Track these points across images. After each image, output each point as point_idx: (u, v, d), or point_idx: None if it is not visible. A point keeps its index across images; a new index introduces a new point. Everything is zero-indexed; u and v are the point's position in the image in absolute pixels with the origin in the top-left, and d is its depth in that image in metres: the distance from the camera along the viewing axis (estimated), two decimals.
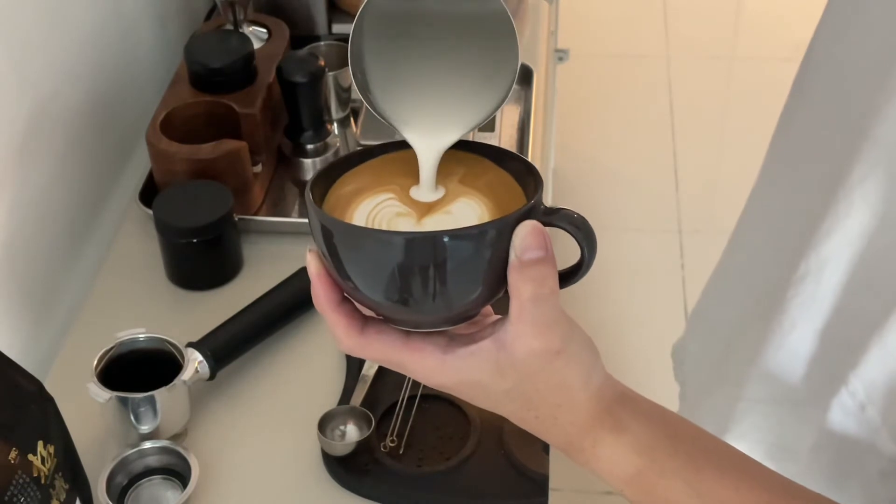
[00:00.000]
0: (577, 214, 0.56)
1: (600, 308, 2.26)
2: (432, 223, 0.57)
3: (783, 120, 0.83)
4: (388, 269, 0.54)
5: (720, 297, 0.94)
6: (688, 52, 3.03)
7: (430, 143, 0.60)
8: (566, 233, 0.57)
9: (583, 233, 0.56)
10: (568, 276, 0.58)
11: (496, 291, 0.57)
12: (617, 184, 2.61)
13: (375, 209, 0.58)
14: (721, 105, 2.91)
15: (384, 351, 0.57)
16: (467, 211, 0.58)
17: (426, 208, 0.58)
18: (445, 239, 0.54)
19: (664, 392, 1.02)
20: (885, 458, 0.66)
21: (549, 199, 1.90)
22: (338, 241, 0.55)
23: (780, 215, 0.81)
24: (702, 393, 0.91)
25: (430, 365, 0.57)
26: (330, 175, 0.60)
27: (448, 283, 0.55)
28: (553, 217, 0.56)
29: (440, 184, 0.60)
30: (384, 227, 0.57)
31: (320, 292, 0.57)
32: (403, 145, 0.61)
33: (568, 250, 0.59)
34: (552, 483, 0.96)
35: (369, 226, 0.57)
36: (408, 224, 0.57)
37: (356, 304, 0.58)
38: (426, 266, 0.54)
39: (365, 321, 0.58)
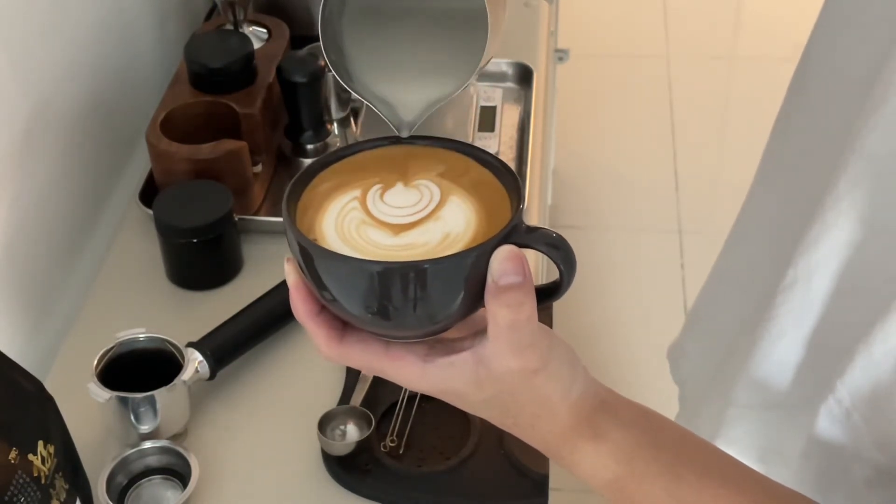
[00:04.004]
0: (556, 234, 0.56)
1: (600, 308, 2.26)
2: (419, 233, 0.57)
3: (779, 124, 0.82)
4: (364, 290, 0.55)
5: (718, 300, 0.94)
6: (688, 52, 3.03)
7: (400, 111, 0.61)
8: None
9: (561, 253, 0.56)
10: (546, 295, 0.58)
11: (476, 307, 0.57)
12: (617, 184, 2.61)
13: (346, 206, 0.58)
14: (721, 105, 2.91)
15: (365, 359, 0.58)
16: (458, 214, 0.57)
17: (403, 226, 0.57)
18: (426, 266, 0.54)
19: (663, 393, 1.02)
20: (869, 467, 0.66)
21: (548, 199, 1.89)
22: (317, 264, 0.55)
23: (774, 220, 0.81)
24: (700, 398, 0.91)
25: (410, 373, 0.57)
26: (305, 179, 0.60)
27: (425, 304, 0.55)
28: (530, 238, 0.56)
29: (423, 179, 0.60)
30: (353, 232, 0.56)
31: (298, 303, 0.57)
32: (381, 142, 0.61)
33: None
34: (552, 483, 0.96)
35: (338, 227, 0.57)
36: (380, 236, 0.56)
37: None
38: (403, 291, 0.54)
39: (345, 330, 0.58)
